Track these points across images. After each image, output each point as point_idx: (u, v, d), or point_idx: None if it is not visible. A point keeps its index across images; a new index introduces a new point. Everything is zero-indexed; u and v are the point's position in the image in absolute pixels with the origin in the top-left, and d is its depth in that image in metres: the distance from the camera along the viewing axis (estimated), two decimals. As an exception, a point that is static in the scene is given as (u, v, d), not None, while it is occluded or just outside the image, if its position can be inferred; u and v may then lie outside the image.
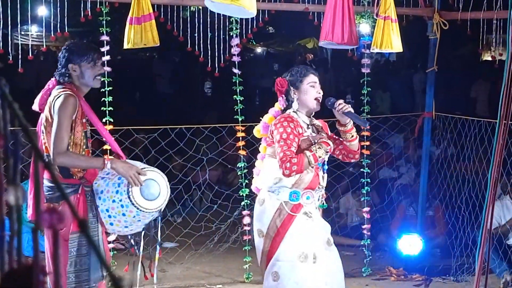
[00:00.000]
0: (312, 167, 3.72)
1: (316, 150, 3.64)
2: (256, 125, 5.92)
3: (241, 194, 5.57)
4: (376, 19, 5.27)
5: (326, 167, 3.87)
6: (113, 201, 3.62)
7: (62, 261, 3.54)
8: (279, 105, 3.92)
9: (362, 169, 5.89)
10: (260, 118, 4.05)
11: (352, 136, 3.78)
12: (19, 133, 0.86)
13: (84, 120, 3.65)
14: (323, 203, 3.87)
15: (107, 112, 5.02)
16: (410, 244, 6.00)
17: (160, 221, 3.85)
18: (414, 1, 5.81)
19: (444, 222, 6.43)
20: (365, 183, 5.88)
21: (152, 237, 3.88)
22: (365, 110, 5.76)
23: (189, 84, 13.33)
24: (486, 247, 3.23)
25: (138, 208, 3.59)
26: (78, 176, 3.62)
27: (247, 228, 5.55)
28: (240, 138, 5.50)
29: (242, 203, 5.58)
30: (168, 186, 3.74)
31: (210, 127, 6.24)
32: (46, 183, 3.57)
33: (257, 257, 3.84)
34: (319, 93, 3.82)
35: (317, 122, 3.92)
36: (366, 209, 5.89)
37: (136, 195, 3.59)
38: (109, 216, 3.65)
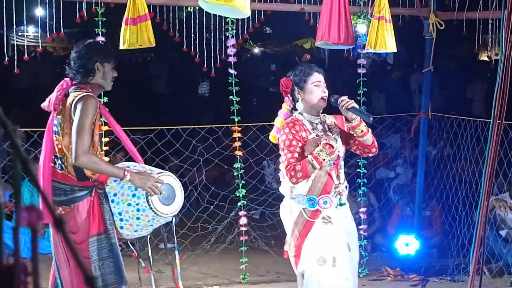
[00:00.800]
0: (324, 169, 3.71)
1: (318, 153, 3.61)
2: (253, 125, 5.98)
3: (237, 195, 5.56)
4: (371, 19, 5.27)
5: (342, 162, 3.81)
6: (129, 204, 3.60)
7: (72, 264, 3.52)
8: (286, 105, 3.91)
9: (358, 170, 5.89)
10: (273, 114, 4.02)
11: (362, 131, 3.73)
12: (0, 131, 0.85)
13: (100, 122, 3.65)
14: (342, 202, 3.79)
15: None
16: (407, 244, 6.01)
17: (174, 226, 3.88)
18: (410, 1, 5.81)
19: (440, 222, 6.43)
20: (362, 183, 5.88)
21: (166, 242, 3.91)
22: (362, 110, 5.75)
23: (186, 85, 13.32)
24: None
25: (155, 213, 3.58)
26: (92, 179, 3.59)
27: (243, 228, 5.55)
28: (237, 138, 5.50)
29: (239, 203, 5.58)
30: (182, 191, 3.75)
31: (207, 127, 6.24)
32: (58, 185, 3.53)
33: None
34: (324, 92, 3.79)
35: (331, 118, 3.87)
36: (363, 209, 5.89)
37: (155, 199, 3.60)
38: (121, 220, 3.63)
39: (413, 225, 6.23)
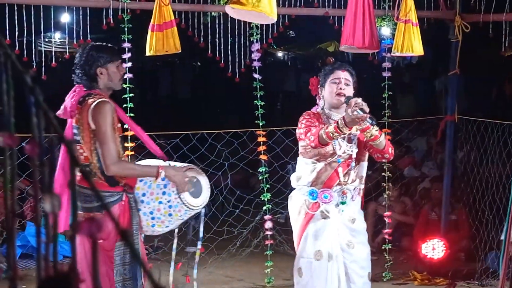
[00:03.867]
0: (329, 164, 3.73)
1: (328, 128, 3.62)
2: (278, 129, 5.99)
3: (262, 199, 5.57)
4: (397, 23, 5.24)
5: (353, 163, 3.82)
6: (160, 202, 3.62)
7: (103, 271, 3.52)
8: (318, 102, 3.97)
9: (383, 173, 5.86)
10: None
11: (372, 135, 3.72)
12: (55, 141, 0.87)
13: (119, 125, 3.61)
14: (343, 200, 3.82)
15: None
16: (434, 248, 5.97)
17: (203, 216, 3.93)
18: (435, 4, 5.78)
19: (467, 226, 6.38)
20: (387, 187, 5.86)
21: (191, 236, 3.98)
22: (386, 114, 5.74)
23: (210, 89, 13.38)
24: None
25: (187, 207, 3.62)
26: (122, 183, 3.57)
27: (268, 232, 5.55)
28: (261, 143, 5.50)
29: (264, 207, 5.59)
30: (208, 181, 3.78)
31: (231, 132, 6.25)
32: (88, 192, 3.46)
33: None
34: (341, 89, 3.79)
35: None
36: (388, 213, 5.86)
37: (185, 194, 3.62)
38: (153, 218, 3.65)
39: (440, 229, 6.18)
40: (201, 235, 4.06)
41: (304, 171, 3.85)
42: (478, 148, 6.11)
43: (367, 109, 3.70)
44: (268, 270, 5.62)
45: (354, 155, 3.82)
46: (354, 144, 3.83)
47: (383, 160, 3.99)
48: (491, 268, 5.74)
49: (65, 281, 0.82)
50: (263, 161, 5.52)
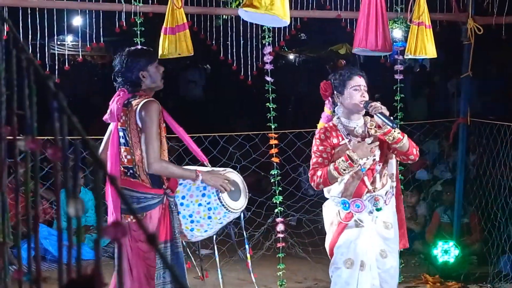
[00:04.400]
0: (355, 173, 3.72)
1: (339, 163, 3.63)
2: (290, 132, 5.99)
3: (274, 202, 5.57)
4: (410, 25, 5.23)
5: (378, 167, 3.79)
6: (199, 204, 3.63)
7: (147, 274, 3.53)
8: (327, 108, 3.93)
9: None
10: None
11: (394, 138, 3.70)
12: (78, 144, 0.88)
13: (164, 125, 3.64)
14: (378, 207, 3.79)
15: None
16: (446, 251, 5.95)
17: (243, 220, 3.95)
18: (447, 6, 5.76)
19: (480, 229, 6.35)
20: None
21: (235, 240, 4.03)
22: (398, 116, 5.72)
23: (222, 92, 13.39)
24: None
25: (227, 209, 3.63)
26: (165, 185, 3.59)
27: (280, 235, 5.55)
28: (273, 145, 5.50)
29: (276, 210, 5.59)
30: (246, 186, 3.81)
31: (243, 134, 6.25)
32: (131, 193, 3.51)
33: None
34: (364, 96, 3.77)
35: (373, 122, 3.80)
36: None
37: (225, 196, 3.65)
38: (192, 222, 3.66)
39: (452, 232, 6.16)
40: (246, 238, 4.10)
41: None
42: (490, 150, 6.08)
43: (387, 113, 3.69)
44: (280, 272, 5.62)
45: (377, 158, 3.80)
46: (376, 148, 3.81)
47: (409, 162, 3.96)
48: (503, 271, 5.72)
49: (87, 284, 0.83)
50: (275, 163, 5.52)
